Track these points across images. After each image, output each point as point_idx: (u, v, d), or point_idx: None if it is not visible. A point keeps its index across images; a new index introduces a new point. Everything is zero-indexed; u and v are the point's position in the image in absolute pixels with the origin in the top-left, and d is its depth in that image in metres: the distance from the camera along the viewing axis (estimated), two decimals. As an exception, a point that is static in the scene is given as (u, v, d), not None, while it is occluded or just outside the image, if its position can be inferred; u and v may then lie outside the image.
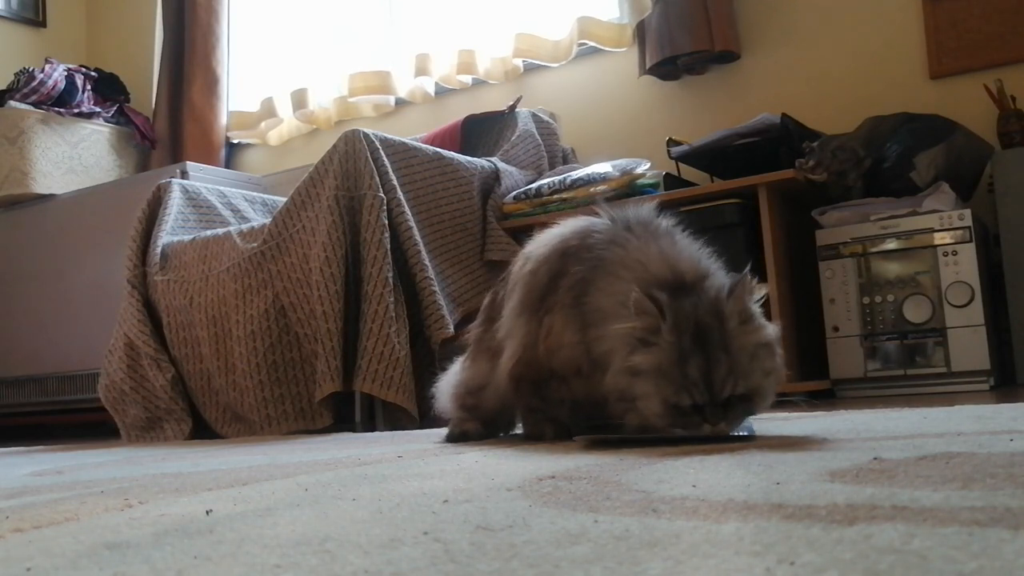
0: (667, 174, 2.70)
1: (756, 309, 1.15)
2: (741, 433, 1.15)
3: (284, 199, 2.49)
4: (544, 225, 1.45)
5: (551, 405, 1.36)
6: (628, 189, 2.62)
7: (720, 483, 0.75)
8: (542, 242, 1.37)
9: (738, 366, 1.09)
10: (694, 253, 1.23)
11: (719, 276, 1.19)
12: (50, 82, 3.74)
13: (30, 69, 3.77)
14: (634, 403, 1.13)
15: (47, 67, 3.79)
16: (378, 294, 2.18)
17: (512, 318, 1.36)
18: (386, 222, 2.25)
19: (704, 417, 1.09)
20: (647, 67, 3.01)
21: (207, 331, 2.45)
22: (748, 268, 1.13)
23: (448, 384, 1.54)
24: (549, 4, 3.30)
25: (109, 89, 4.02)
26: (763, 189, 2.42)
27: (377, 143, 2.34)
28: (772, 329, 1.15)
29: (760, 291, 1.17)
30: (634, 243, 1.21)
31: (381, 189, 2.28)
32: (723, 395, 1.09)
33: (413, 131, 3.30)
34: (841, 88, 2.82)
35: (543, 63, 3.29)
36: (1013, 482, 0.65)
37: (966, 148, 2.40)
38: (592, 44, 3.19)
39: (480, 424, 1.47)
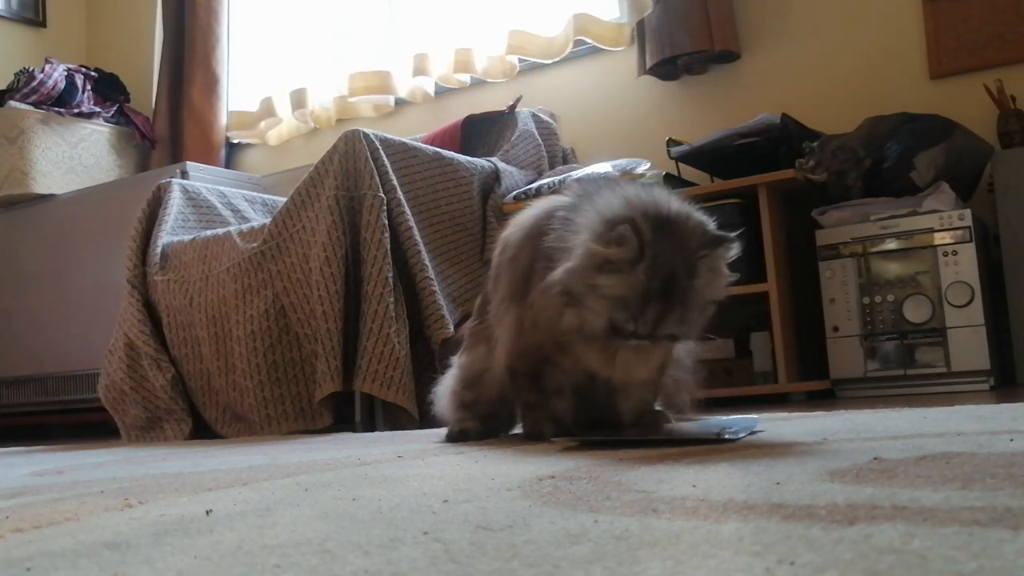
0: (667, 174, 2.70)
1: (725, 268, 1.19)
2: (741, 434, 1.15)
3: (284, 199, 2.49)
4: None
5: (549, 398, 1.34)
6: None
7: (720, 483, 0.75)
8: (517, 224, 1.37)
9: (687, 318, 1.14)
10: (666, 194, 1.22)
11: (703, 221, 1.20)
12: (50, 82, 3.74)
13: (30, 69, 3.77)
14: (579, 309, 1.17)
15: (47, 67, 3.79)
16: (378, 294, 2.18)
17: (502, 310, 1.37)
18: (386, 222, 2.25)
19: (638, 334, 1.14)
20: (647, 67, 3.01)
21: (207, 331, 2.45)
22: (737, 233, 1.16)
23: (446, 387, 1.53)
24: (546, 1, 3.31)
25: (109, 89, 4.02)
26: (763, 189, 2.42)
27: (377, 143, 2.34)
28: (728, 284, 1.19)
29: (736, 249, 1.19)
30: (602, 198, 1.20)
31: (381, 189, 2.28)
32: (662, 331, 1.14)
33: (413, 131, 3.30)
34: (841, 88, 2.82)
35: (537, 60, 3.29)
36: (1013, 482, 0.65)
37: (966, 148, 2.40)
38: (591, 43, 3.19)
39: (480, 422, 1.47)
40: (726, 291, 1.18)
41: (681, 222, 1.15)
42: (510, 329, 1.33)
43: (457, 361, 1.53)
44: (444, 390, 1.54)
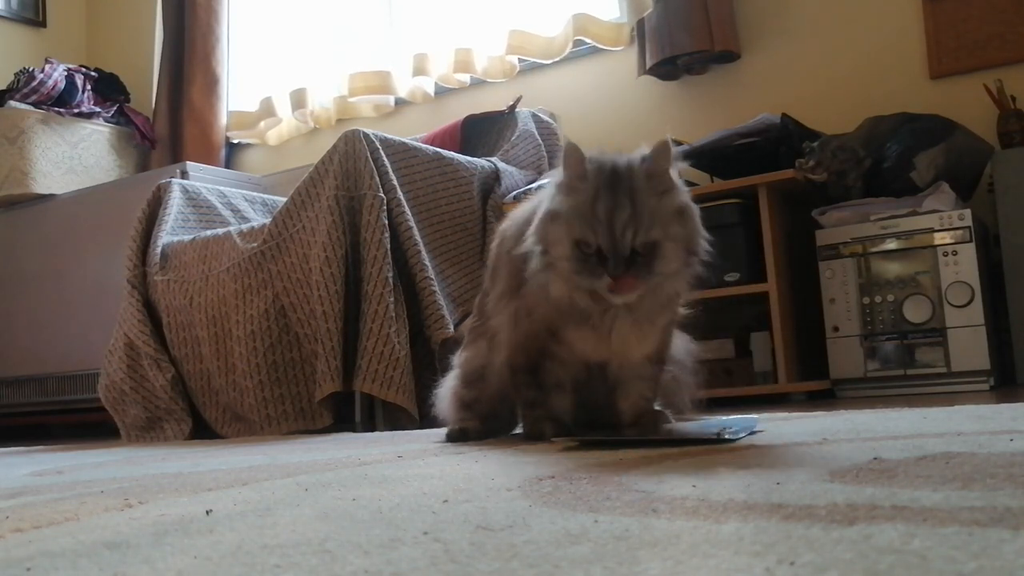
0: (667, 174, 2.70)
1: (675, 177, 1.21)
2: (741, 434, 1.15)
3: (284, 199, 2.49)
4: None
5: (549, 395, 1.34)
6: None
7: (720, 483, 0.75)
8: (513, 218, 1.40)
9: (640, 217, 1.15)
10: None
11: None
12: (50, 82, 3.74)
13: (30, 69, 3.77)
14: (548, 252, 1.20)
15: (47, 67, 3.79)
16: (378, 294, 2.18)
17: (501, 305, 1.37)
18: (386, 222, 2.25)
19: (606, 268, 1.15)
20: (647, 67, 3.01)
21: (207, 331, 2.45)
22: (668, 137, 1.18)
23: (447, 388, 1.53)
24: (546, 1, 3.31)
25: (109, 89, 4.02)
26: (763, 189, 2.42)
27: (377, 143, 2.34)
28: (687, 198, 1.22)
29: (680, 162, 1.23)
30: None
31: (381, 189, 2.28)
32: (624, 242, 1.15)
33: (413, 131, 3.30)
34: (841, 88, 2.82)
35: (536, 60, 3.30)
36: (1013, 482, 0.65)
37: (966, 148, 2.40)
38: (590, 43, 3.19)
39: (480, 422, 1.47)
40: (686, 199, 1.22)
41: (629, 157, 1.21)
42: (508, 322, 1.35)
43: (457, 359, 1.53)
44: (445, 391, 1.54)
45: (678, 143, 2.77)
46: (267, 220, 2.48)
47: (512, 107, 3.08)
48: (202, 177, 3.34)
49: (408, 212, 2.33)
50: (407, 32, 3.63)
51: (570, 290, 1.22)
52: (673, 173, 1.21)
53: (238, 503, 0.83)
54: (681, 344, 1.46)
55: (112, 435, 2.74)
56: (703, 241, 1.24)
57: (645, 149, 1.21)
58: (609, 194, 1.16)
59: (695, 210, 1.24)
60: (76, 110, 3.81)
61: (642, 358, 1.29)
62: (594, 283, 1.17)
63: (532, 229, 1.23)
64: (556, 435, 1.32)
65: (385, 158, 2.34)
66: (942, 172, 2.35)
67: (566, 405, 1.35)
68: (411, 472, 1.02)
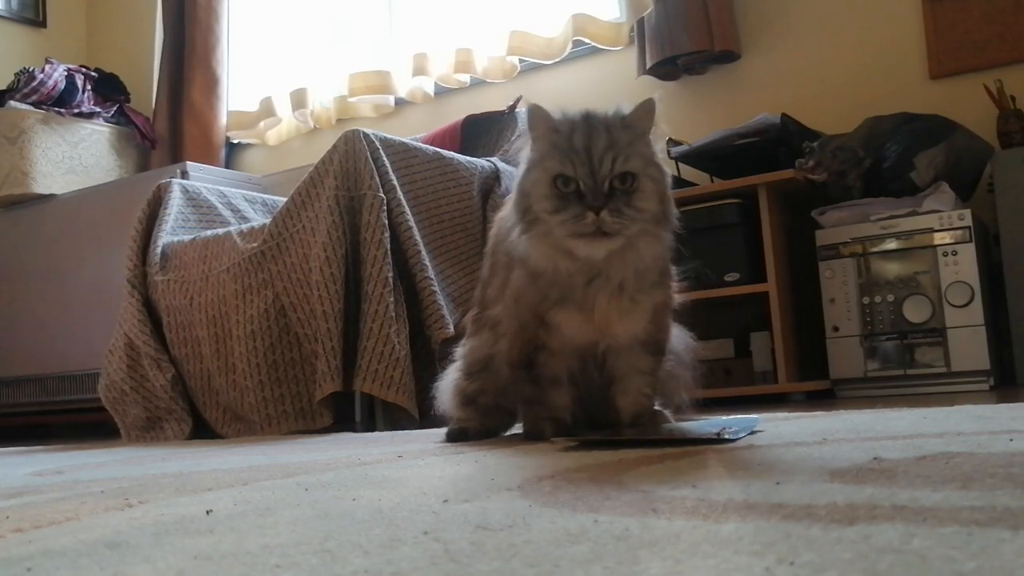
0: (667, 174, 2.70)
1: (654, 143, 1.22)
2: (741, 434, 1.15)
3: (284, 199, 2.49)
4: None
5: (547, 391, 1.33)
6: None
7: (720, 483, 0.75)
8: (508, 204, 1.38)
9: (618, 146, 1.15)
10: None
11: None
12: (50, 82, 3.74)
13: (30, 69, 3.77)
14: (529, 208, 1.19)
15: (47, 67, 3.79)
16: (378, 294, 2.18)
17: (500, 295, 1.36)
18: (386, 222, 2.25)
19: (586, 203, 1.14)
20: (647, 67, 3.01)
21: (207, 331, 2.45)
22: (655, 98, 1.21)
23: (448, 381, 1.52)
24: (545, 2, 3.31)
25: (109, 89, 4.02)
26: (763, 189, 2.42)
27: (377, 143, 2.34)
28: (664, 166, 1.23)
29: (663, 130, 1.24)
30: None
31: (381, 189, 2.28)
32: (603, 170, 1.14)
33: (413, 131, 3.30)
34: (841, 88, 2.82)
35: (537, 60, 3.29)
36: (1012, 482, 0.65)
37: (966, 148, 2.40)
38: (589, 43, 3.19)
39: (480, 421, 1.45)
40: (663, 166, 1.21)
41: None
42: (506, 312, 1.36)
43: (460, 350, 1.51)
44: (447, 384, 1.52)
45: (678, 143, 2.79)
46: (267, 220, 2.48)
47: (512, 107, 3.08)
48: (202, 177, 3.34)
49: (408, 212, 2.33)
50: (407, 32, 3.63)
51: (552, 253, 1.20)
52: (654, 140, 1.22)
53: (238, 503, 0.83)
54: (680, 338, 1.45)
55: (112, 435, 2.74)
56: (675, 211, 1.24)
57: (628, 108, 1.22)
58: (585, 128, 1.17)
59: (669, 180, 1.24)
60: (76, 110, 3.81)
61: (630, 339, 1.28)
62: (575, 225, 1.15)
63: (511, 197, 1.24)
64: (556, 434, 1.31)
65: (385, 158, 2.34)
66: (942, 172, 2.35)
67: (564, 401, 1.34)
68: (411, 472, 1.02)
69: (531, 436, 1.36)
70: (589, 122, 1.18)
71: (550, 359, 1.32)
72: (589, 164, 1.15)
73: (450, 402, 1.51)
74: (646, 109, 1.21)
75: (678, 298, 1.37)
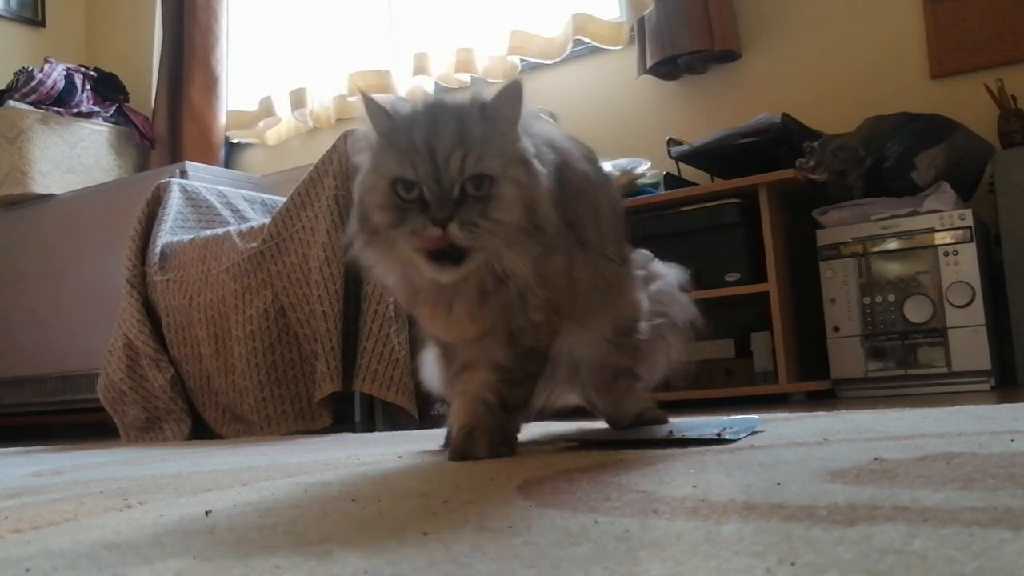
0: (667, 174, 2.70)
1: (526, 140, 1.00)
2: (741, 434, 1.15)
3: (283, 199, 2.49)
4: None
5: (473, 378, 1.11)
6: (628, 189, 2.62)
7: (720, 483, 0.75)
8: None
9: (469, 142, 0.94)
10: None
11: None
12: (49, 82, 3.74)
13: (29, 69, 3.77)
14: (368, 219, 1.00)
15: (46, 67, 3.79)
16: (377, 294, 2.18)
17: None
18: (386, 222, 2.25)
19: (430, 214, 0.93)
20: (647, 66, 3.01)
21: (206, 331, 2.45)
22: (519, 80, 0.99)
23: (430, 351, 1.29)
24: (546, 1, 3.30)
25: (108, 89, 4.02)
26: (763, 189, 2.42)
27: (377, 143, 2.34)
28: (537, 163, 1.00)
29: (542, 115, 1.05)
30: None
31: (381, 189, 2.28)
32: (450, 172, 0.93)
33: (413, 131, 3.29)
34: (842, 88, 2.82)
35: (537, 60, 3.29)
36: (1014, 482, 0.65)
37: (967, 148, 2.40)
38: (589, 43, 3.19)
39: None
40: (534, 164, 0.99)
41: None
42: None
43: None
44: (429, 354, 1.31)
45: (678, 143, 2.79)
46: (266, 220, 2.48)
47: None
48: (201, 177, 3.34)
49: (408, 212, 2.33)
50: (407, 31, 3.63)
51: (399, 269, 1.03)
52: (523, 133, 1.00)
53: (238, 503, 0.83)
54: (664, 269, 1.34)
55: (111, 435, 2.74)
56: (553, 219, 1.00)
57: (488, 93, 1.02)
58: (428, 120, 0.96)
59: (542, 181, 0.99)
60: (75, 110, 3.81)
61: (482, 335, 1.07)
62: (418, 240, 0.95)
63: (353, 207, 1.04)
64: (495, 451, 1.07)
65: (385, 158, 2.34)
66: (943, 172, 2.34)
67: (520, 394, 1.12)
68: (411, 472, 1.01)
69: (458, 454, 1.08)
70: (433, 113, 0.97)
71: (452, 345, 1.13)
72: (433, 165, 0.93)
73: (433, 376, 1.30)
74: (509, 94, 0.98)
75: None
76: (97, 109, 3.90)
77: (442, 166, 0.94)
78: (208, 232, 2.59)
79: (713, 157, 2.69)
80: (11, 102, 3.67)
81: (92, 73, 3.97)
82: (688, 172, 2.82)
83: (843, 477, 0.73)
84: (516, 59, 3.34)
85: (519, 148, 0.99)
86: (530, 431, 1.33)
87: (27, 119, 3.64)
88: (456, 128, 0.95)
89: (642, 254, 1.37)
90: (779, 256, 2.42)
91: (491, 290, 1.02)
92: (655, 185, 2.65)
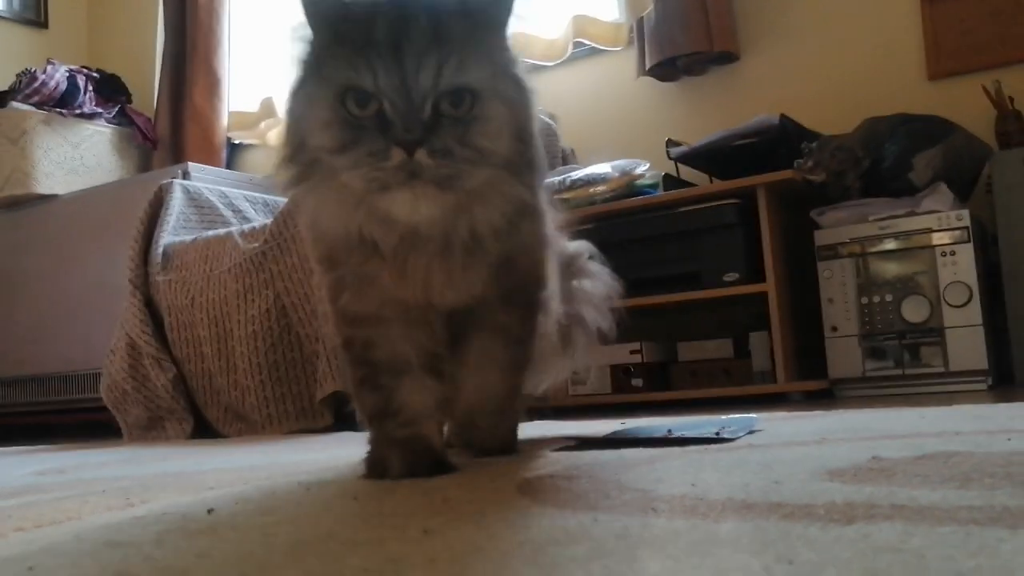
0: (666, 175, 2.70)
1: (515, 50, 0.82)
2: (740, 434, 1.16)
3: (285, 199, 2.49)
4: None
5: (391, 388, 0.89)
6: (627, 190, 2.63)
7: (719, 482, 0.75)
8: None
9: (449, 41, 0.72)
10: None
11: None
12: (52, 83, 3.74)
13: (32, 70, 3.77)
14: (304, 145, 0.78)
15: (49, 68, 3.79)
16: (378, 294, 2.19)
17: None
18: (386, 222, 2.25)
19: (393, 136, 0.71)
20: (646, 68, 3.01)
21: (208, 331, 2.45)
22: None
23: None
24: (546, 3, 3.31)
25: (111, 90, 4.02)
26: (762, 189, 2.43)
27: (377, 144, 2.34)
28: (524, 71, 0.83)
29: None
30: None
31: (381, 189, 2.28)
32: (422, 84, 0.71)
33: (413, 131, 3.29)
34: (839, 89, 2.82)
35: (538, 62, 3.29)
36: (1011, 481, 0.65)
37: (964, 149, 2.40)
38: (589, 44, 3.19)
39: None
40: (521, 81, 0.82)
41: None
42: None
43: None
44: None
45: (677, 144, 2.80)
46: (268, 220, 2.48)
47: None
48: (203, 177, 3.34)
49: (408, 212, 2.33)
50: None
51: (347, 215, 0.79)
52: (512, 41, 0.82)
53: (240, 502, 0.83)
54: (600, 283, 1.14)
55: (114, 435, 2.74)
56: (542, 152, 0.84)
57: None
58: (395, 14, 0.73)
59: (533, 101, 0.83)
60: (78, 111, 3.81)
61: (470, 300, 0.87)
62: (374, 169, 0.72)
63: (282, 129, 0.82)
64: (410, 470, 0.86)
65: (385, 158, 2.34)
66: (940, 172, 2.35)
67: (422, 404, 0.88)
68: (412, 472, 1.02)
69: (372, 471, 0.89)
70: (401, 5, 0.73)
71: (380, 330, 0.87)
72: (400, 72, 0.71)
73: None
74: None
75: (557, 223, 1.00)
76: (99, 110, 3.91)
77: (412, 74, 0.71)
78: (210, 232, 2.59)
79: (712, 158, 2.69)
80: (14, 103, 3.68)
81: (94, 74, 3.97)
82: (687, 173, 2.82)
83: (841, 476, 0.74)
84: (517, 60, 3.34)
85: (508, 58, 0.81)
86: (530, 431, 1.33)
87: (30, 120, 3.64)
88: (430, 26, 0.72)
89: (585, 244, 1.19)
90: (777, 256, 2.42)
91: (463, 247, 0.82)
92: (654, 186, 2.65)
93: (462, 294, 0.86)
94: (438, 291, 0.84)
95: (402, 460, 0.87)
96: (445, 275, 0.83)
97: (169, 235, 2.64)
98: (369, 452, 0.91)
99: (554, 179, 2.69)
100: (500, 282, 0.87)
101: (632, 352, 2.54)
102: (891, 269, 2.32)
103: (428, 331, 0.89)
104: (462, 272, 0.83)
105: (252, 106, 3.99)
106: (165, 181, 2.78)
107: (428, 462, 0.88)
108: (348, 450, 1.45)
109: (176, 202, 2.71)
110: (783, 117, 2.58)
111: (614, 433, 1.27)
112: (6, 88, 3.82)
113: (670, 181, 2.69)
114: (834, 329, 2.37)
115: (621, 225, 2.57)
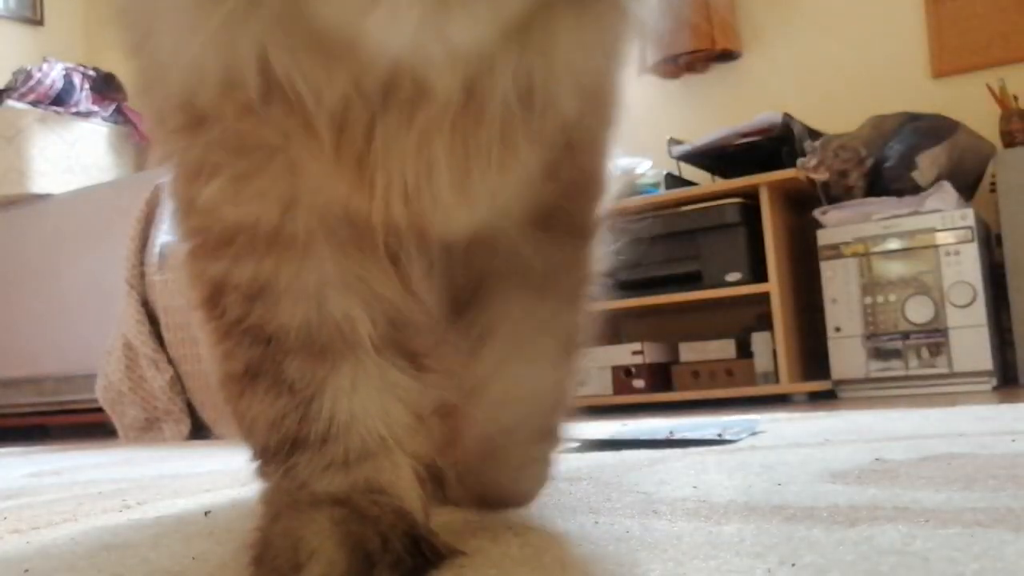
0: (668, 173, 2.70)
1: None
2: (742, 435, 1.15)
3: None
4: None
5: (323, 389, 0.50)
6: (629, 188, 2.62)
7: (721, 484, 0.74)
8: None
9: None
10: None
11: None
12: (48, 81, 3.74)
13: (28, 68, 3.77)
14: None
15: (45, 66, 3.79)
16: (378, 294, 2.18)
17: None
18: (386, 222, 2.25)
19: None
20: (648, 65, 3.00)
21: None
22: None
23: None
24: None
25: (107, 88, 4.01)
26: (765, 188, 2.42)
27: (377, 142, 2.34)
28: None
29: None
30: None
31: (381, 189, 2.28)
32: None
33: (413, 131, 3.29)
34: (843, 87, 2.82)
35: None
36: (1015, 483, 0.65)
37: (968, 147, 2.40)
38: (592, 43, 3.19)
39: None
40: None
41: None
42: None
43: None
44: None
45: (679, 142, 2.79)
46: (267, 220, 2.48)
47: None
48: (202, 177, 3.34)
49: (408, 212, 2.33)
50: (407, 31, 3.62)
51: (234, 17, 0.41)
52: None
53: (236, 504, 0.82)
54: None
55: (110, 436, 2.74)
56: None
57: None
58: None
59: None
60: (74, 109, 3.81)
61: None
62: None
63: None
64: (359, 568, 0.44)
65: (385, 158, 2.34)
66: (944, 172, 2.34)
67: (388, 413, 0.51)
68: (410, 472, 1.01)
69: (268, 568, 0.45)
70: None
71: (289, 263, 0.49)
72: None
73: None
74: None
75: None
76: (96, 108, 3.90)
77: None
78: (208, 232, 2.58)
79: (714, 157, 2.69)
80: (9, 101, 3.67)
81: (91, 73, 3.97)
82: (689, 172, 2.82)
83: (844, 478, 0.73)
84: (516, 59, 3.34)
85: None
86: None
87: (25, 118, 3.63)
88: None
89: None
90: (780, 256, 2.42)
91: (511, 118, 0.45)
92: (656, 185, 2.65)
93: (495, 202, 0.48)
94: (444, 197, 0.45)
95: (341, 546, 0.44)
96: (462, 163, 0.45)
97: (166, 234, 2.64)
98: (260, 527, 0.48)
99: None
100: (549, 188, 0.52)
101: (634, 353, 2.53)
102: (895, 269, 2.31)
103: (392, 271, 0.50)
104: (502, 157, 0.45)
105: (252, 105, 3.99)
106: (162, 180, 2.77)
107: (402, 550, 0.46)
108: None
109: (175, 201, 2.71)
110: (786, 116, 2.57)
111: (615, 435, 1.27)
112: (2, 86, 3.82)
113: (672, 180, 2.69)
114: (837, 329, 2.36)
115: (622, 224, 2.56)
